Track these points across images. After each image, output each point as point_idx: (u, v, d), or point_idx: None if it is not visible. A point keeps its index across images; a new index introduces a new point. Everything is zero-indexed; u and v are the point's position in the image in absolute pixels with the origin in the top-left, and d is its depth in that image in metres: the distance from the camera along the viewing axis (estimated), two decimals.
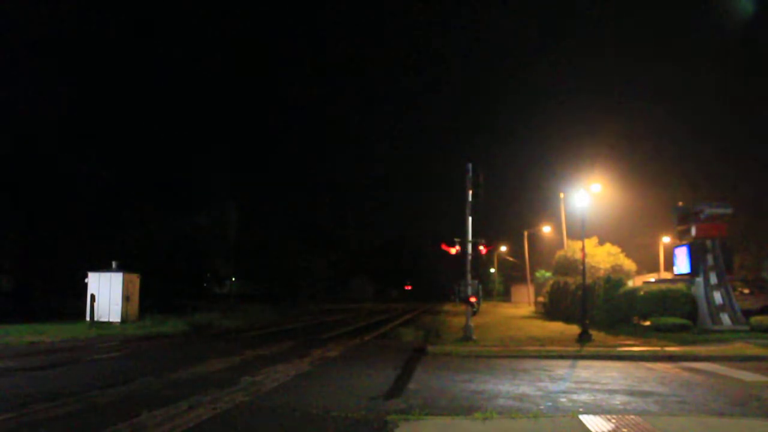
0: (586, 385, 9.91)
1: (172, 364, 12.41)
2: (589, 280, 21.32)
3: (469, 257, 17.70)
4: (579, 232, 21.11)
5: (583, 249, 19.46)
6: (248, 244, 55.92)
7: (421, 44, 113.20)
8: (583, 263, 19.16)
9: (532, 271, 47.18)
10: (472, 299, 17.63)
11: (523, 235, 50.23)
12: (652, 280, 29.71)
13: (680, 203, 22.33)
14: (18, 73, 39.58)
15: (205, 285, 57.14)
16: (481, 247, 18.15)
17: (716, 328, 19.16)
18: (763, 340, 16.51)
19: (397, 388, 9.49)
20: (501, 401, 8.43)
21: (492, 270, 72.02)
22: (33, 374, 11.13)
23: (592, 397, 8.79)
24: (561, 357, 13.99)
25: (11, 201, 35.56)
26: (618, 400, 8.62)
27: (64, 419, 7.26)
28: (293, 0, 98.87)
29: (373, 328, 24.73)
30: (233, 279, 57.81)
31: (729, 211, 20.81)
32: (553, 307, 29.71)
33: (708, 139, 57.31)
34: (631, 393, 9.19)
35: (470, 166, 17.48)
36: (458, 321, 24.48)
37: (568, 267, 30.54)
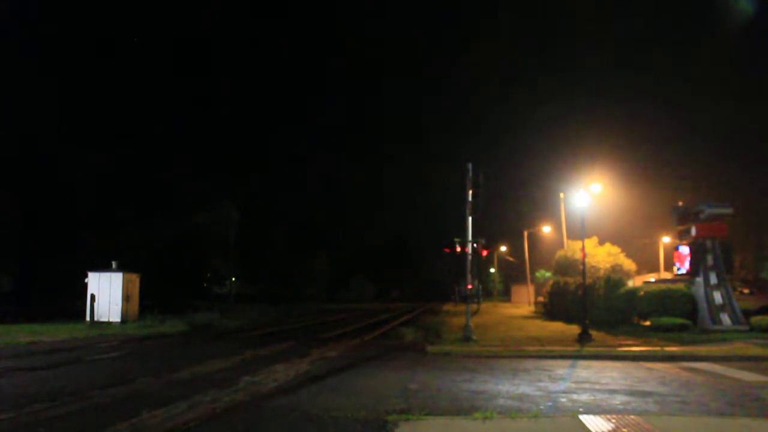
0: (586, 385, 9.91)
1: (172, 364, 12.41)
2: (589, 280, 21.31)
3: (469, 257, 17.69)
4: (579, 232, 21.10)
5: (583, 249, 19.46)
6: (248, 244, 55.87)
7: (421, 44, 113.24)
8: (583, 263, 19.16)
9: (532, 271, 47.17)
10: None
11: (523, 235, 50.19)
12: (652, 280, 29.71)
13: (680, 203, 22.32)
14: (17, 73, 39.57)
15: (205, 285, 57.06)
16: (481, 248, 18.15)
17: (716, 328, 19.16)
18: (763, 340, 16.51)
19: (397, 388, 9.48)
20: (501, 401, 8.43)
21: (492, 270, 72.00)
22: (33, 374, 11.13)
23: (592, 397, 8.79)
24: (561, 357, 13.99)
25: (11, 201, 35.55)
26: (618, 400, 8.62)
27: (64, 419, 7.26)
28: (293, 2, 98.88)
29: (373, 328, 24.72)
30: (233, 279, 57.70)
31: (729, 211, 20.81)
32: (553, 307, 29.70)
33: (709, 138, 57.34)
34: (631, 393, 9.19)
35: (470, 166, 17.48)
36: (458, 321, 24.48)
37: (568, 267, 30.52)
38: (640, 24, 78.73)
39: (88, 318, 23.08)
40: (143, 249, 38.33)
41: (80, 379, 10.52)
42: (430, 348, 15.53)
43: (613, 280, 23.28)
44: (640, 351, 14.55)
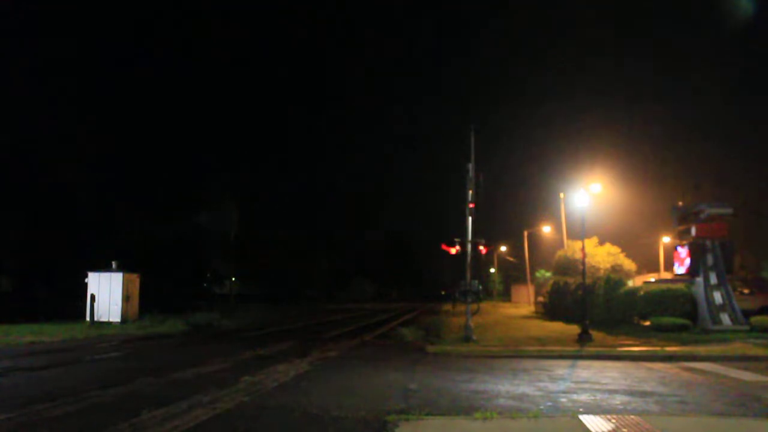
0: (586, 385, 9.91)
1: (172, 364, 12.41)
2: (589, 280, 21.30)
3: (469, 257, 17.68)
4: (579, 232, 21.11)
5: (583, 249, 19.45)
6: (248, 244, 55.83)
7: (421, 44, 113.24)
8: (583, 263, 19.16)
9: (532, 271, 47.15)
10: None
11: (523, 235, 50.25)
12: (652, 280, 29.69)
13: (680, 203, 22.32)
14: (17, 74, 39.59)
15: (205, 285, 57.05)
16: (481, 247, 18.13)
17: (716, 328, 19.14)
18: (763, 340, 16.51)
19: (397, 388, 9.48)
20: (501, 401, 8.43)
21: (492, 270, 71.98)
22: (33, 374, 11.13)
23: (592, 397, 8.79)
24: (561, 357, 13.98)
25: (12, 201, 35.56)
26: (618, 400, 8.62)
27: (64, 419, 7.26)
28: (293, 1, 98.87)
29: (373, 328, 24.72)
30: (233, 279, 57.66)
31: (729, 211, 20.79)
32: (553, 307, 29.69)
33: (709, 138, 57.35)
34: (631, 393, 9.19)
35: (470, 166, 17.46)
36: (458, 321, 24.47)
37: (568, 267, 30.53)
38: (640, 24, 78.75)
39: (88, 318, 23.09)
40: (143, 249, 38.30)
41: (80, 379, 10.52)
42: (429, 348, 15.53)
43: (613, 280, 23.28)
44: (640, 351, 14.54)
